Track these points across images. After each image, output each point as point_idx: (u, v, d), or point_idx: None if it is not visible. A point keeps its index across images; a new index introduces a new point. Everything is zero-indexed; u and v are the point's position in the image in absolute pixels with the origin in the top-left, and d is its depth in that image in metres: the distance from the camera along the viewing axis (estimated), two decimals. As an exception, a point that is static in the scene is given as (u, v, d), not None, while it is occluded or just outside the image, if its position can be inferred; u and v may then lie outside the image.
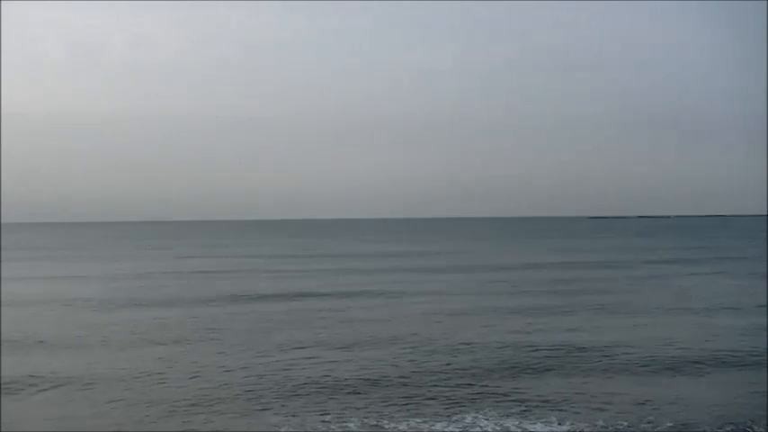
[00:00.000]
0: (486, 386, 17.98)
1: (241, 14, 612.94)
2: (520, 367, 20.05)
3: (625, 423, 14.92)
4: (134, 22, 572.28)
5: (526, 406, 16.20)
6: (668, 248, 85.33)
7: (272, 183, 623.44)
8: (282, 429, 14.85)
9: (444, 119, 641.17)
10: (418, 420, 15.23)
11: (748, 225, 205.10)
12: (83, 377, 19.07)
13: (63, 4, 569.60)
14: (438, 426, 14.88)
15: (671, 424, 14.87)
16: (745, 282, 43.35)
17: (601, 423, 14.92)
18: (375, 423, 15.11)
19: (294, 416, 15.66)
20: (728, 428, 14.69)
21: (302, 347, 23.04)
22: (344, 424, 15.05)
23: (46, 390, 17.86)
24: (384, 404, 16.49)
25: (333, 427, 14.91)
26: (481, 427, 14.83)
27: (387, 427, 14.89)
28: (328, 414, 15.70)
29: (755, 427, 14.73)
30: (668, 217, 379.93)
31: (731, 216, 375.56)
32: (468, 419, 15.26)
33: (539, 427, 14.78)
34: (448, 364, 20.45)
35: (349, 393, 17.46)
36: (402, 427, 14.85)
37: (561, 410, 15.85)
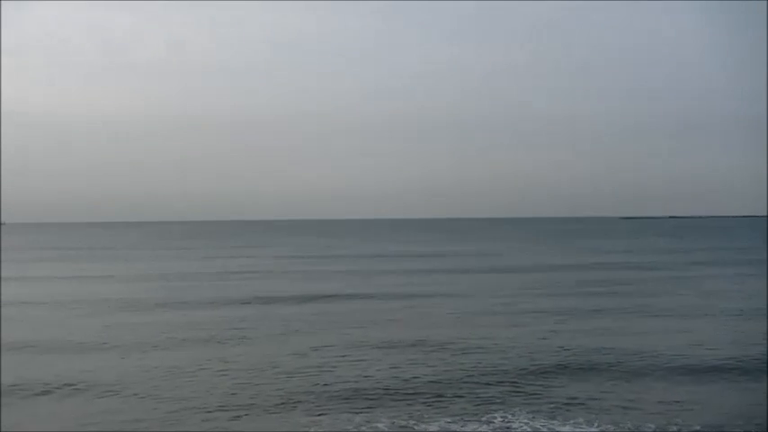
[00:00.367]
0: (516, 386, 18.11)
1: (269, 15, 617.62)
2: (549, 368, 20.11)
3: (652, 425, 14.94)
4: (164, 22, 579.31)
5: (555, 406, 16.31)
6: (701, 249, 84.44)
7: (297, 183, 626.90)
8: (312, 429, 14.93)
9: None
10: (448, 420, 15.35)
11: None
12: (113, 377, 19.30)
13: (93, 5, 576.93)
14: (469, 426, 15.01)
15: (698, 427, 14.86)
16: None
17: (629, 425, 14.95)
18: (404, 423, 15.21)
19: (323, 416, 15.80)
20: (758, 433, 14.61)
21: (332, 348, 23.22)
22: (374, 424, 15.14)
23: (82, 390, 17.94)
24: (414, 404, 16.60)
25: (362, 427, 14.99)
26: (511, 427, 14.94)
27: (416, 427, 14.98)
28: (358, 414, 15.82)
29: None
30: (700, 217, 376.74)
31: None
32: (498, 419, 15.40)
33: (567, 427, 14.89)
34: (478, 364, 20.58)
35: (378, 393, 17.57)
36: (432, 427, 14.94)
37: (589, 411, 15.94)
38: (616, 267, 57.76)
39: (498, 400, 16.90)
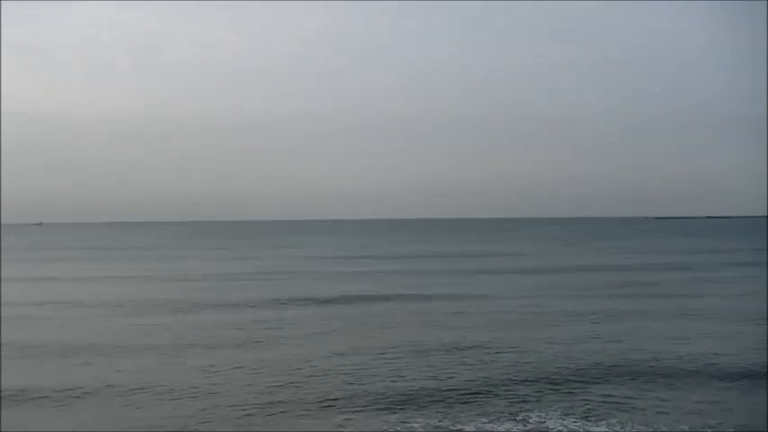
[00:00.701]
0: (551, 386, 18.28)
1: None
2: (584, 368, 20.22)
3: (686, 427, 15.02)
4: (193, 23, 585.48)
5: (589, 407, 16.47)
6: (740, 250, 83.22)
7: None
8: (347, 429, 15.08)
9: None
10: (484, 420, 15.53)
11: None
12: (150, 377, 19.60)
13: (123, 5, 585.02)
14: (504, 425, 15.19)
15: (732, 430, 14.92)
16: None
17: (662, 427, 15.04)
18: (440, 423, 15.38)
19: (359, 415, 16.00)
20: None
21: (368, 348, 23.45)
22: (409, 424, 15.30)
23: (126, 394, 18.03)
24: (449, 404, 16.78)
25: (397, 427, 15.15)
26: (546, 426, 15.12)
27: (452, 427, 15.14)
28: (393, 414, 16.00)
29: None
30: (739, 217, 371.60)
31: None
32: (534, 418, 15.59)
33: (600, 428, 15.04)
34: (514, 364, 20.77)
35: (414, 393, 17.71)
36: (469, 428, 15.11)
37: (623, 412, 16.08)
38: (649, 268, 57.32)
39: (533, 399, 17.10)
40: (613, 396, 17.35)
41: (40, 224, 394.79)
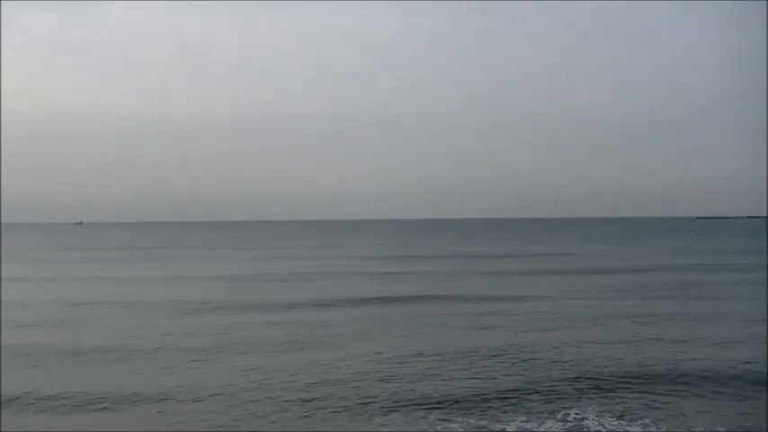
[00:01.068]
0: (591, 385, 18.52)
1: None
2: (625, 368, 20.38)
3: (722, 429, 15.21)
4: (239, 24, 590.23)
5: (628, 405, 16.72)
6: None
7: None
8: (386, 429, 15.31)
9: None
10: (523, 419, 15.79)
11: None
12: (191, 377, 19.92)
13: (169, 5, 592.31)
14: (545, 424, 15.46)
15: (768, 431, 15.04)
16: None
17: (699, 428, 15.25)
18: (480, 423, 15.61)
19: (397, 414, 16.23)
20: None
21: (407, 348, 23.73)
22: (448, 424, 15.47)
23: (166, 394, 18.12)
24: (489, 403, 17.00)
25: (437, 427, 15.26)
26: (585, 425, 15.42)
27: (491, 427, 15.36)
28: (432, 413, 16.17)
29: None
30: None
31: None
32: (572, 416, 15.89)
33: (636, 427, 15.30)
34: (555, 364, 21.03)
35: (454, 392, 17.93)
36: (510, 427, 15.30)
37: (661, 411, 16.35)
38: (693, 269, 56.87)
39: (572, 398, 17.38)
40: (651, 395, 17.57)
41: (81, 223, 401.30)
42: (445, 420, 15.77)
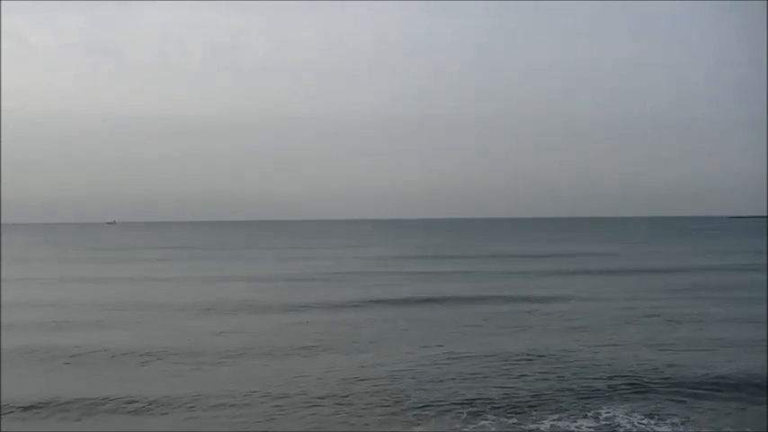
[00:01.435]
0: (623, 384, 18.73)
1: (378, 15, 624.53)
2: (659, 368, 20.49)
3: (749, 429, 15.41)
4: (271, 24, 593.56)
5: (659, 405, 16.96)
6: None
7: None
8: (417, 429, 15.46)
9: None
10: (554, 418, 16.06)
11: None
12: (226, 378, 20.09)
13: (201, 5, 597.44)
14: (577, 422, 15.76)
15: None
16: None
17: (728, 429, 15.45)
18: (512, 421, 15.86)
19: (430, 411, 16.48)
20: None
21: (440, 348, 23.98)
22: (481, 422, 15.73)
23: (200, 396, 18.05)
24: (521, 402, 17.22)
25: (470, 425, 15.50)
26: (617, 423, 15.72)
27: (523, 426, 15.60)
28: (465, 411, 16.43)
29: None
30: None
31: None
32: (603, 415, 16.19)
33: (664, 427, 15.60)
34: (588, 363, 21.18)
35: (486, 391, 18.18)
36: (544, 426, 15.54)
37: (692, 410, 16.60)
38: (734, 269, 56.32)
39: (603, 396, 17.64)
40: (683, 395, 17.79)
41: (113, 223, 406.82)
42: (477, 417, 16.06)
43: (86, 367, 22.08)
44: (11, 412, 16.94)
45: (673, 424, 15.69)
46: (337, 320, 31.13)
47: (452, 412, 16.50)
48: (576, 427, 15.55)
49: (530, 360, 21.79)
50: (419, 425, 15.76)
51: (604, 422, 15.85)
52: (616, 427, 15.60)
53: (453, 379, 19.49)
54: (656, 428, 15.49)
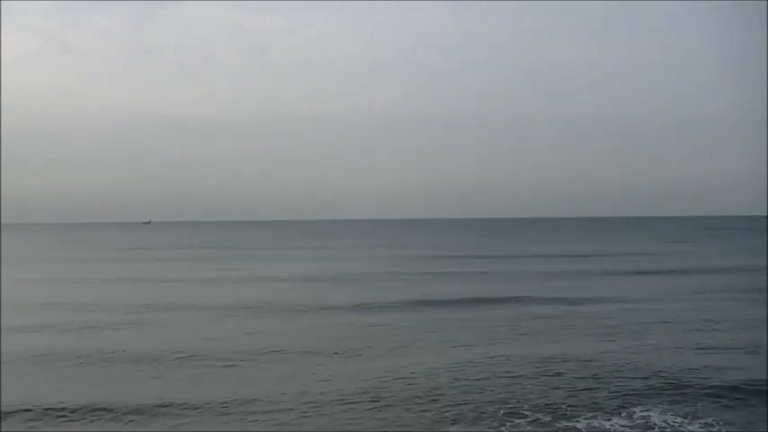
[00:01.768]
0: (659, 384, 18.79)
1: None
2: (694, 368, 20.51)
3: (783, 427, 15.39)
4: (305, 23, 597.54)
5: (694, 407, 16.94)
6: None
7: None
8: (453, 428, 15.58)
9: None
10: (589, 416, 16.21)
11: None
12: (260, 380, 20.16)
13: (235, 5, 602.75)
14: (612, 420, 15.90)
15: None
16: None
17: (761, 429, 15.52)
18: (547, 420, 15.97)
19: (465, 408, 16.66)
20: None
21: (473, 347, 24.13)
22: (516, 420, 15.79)
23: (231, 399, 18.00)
24: (556, 399, 17.39)
25: (506, 424, 15.63)
26: (651, 422, 15.82)
27: (557, 424, 15.75)
28: (500, 409, 16.60)
29: None
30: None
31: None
32: (638, 414, 16.31)
33: (695, 426, 15.70)
34: (623, 363, 21.20)
35: (522, 388, 18.40)
36: (581, 424, 15.66)
37: (727, 410, 16.70)
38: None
39: (638, 395, 17.73)
40: (720, 397, 17.76)
41: (149, 222, 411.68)
42: (513, 416, 16.22)
43: (118, 368, 22.21)
44: (46, 415, 17.00)
45: (707, 425, 15.74)
46: (371, 321, 31.32)
47: (488, 411, 16.67)
48: (611, 426, 15.69)
49: (565, 360, 21.86)
50: (456, 423, 15.95)
51: (639, 421, 15.98)
52: (650, 426, 15.71)
53: (488, 378, 19.66)
54: (690, 428, 15.57)
